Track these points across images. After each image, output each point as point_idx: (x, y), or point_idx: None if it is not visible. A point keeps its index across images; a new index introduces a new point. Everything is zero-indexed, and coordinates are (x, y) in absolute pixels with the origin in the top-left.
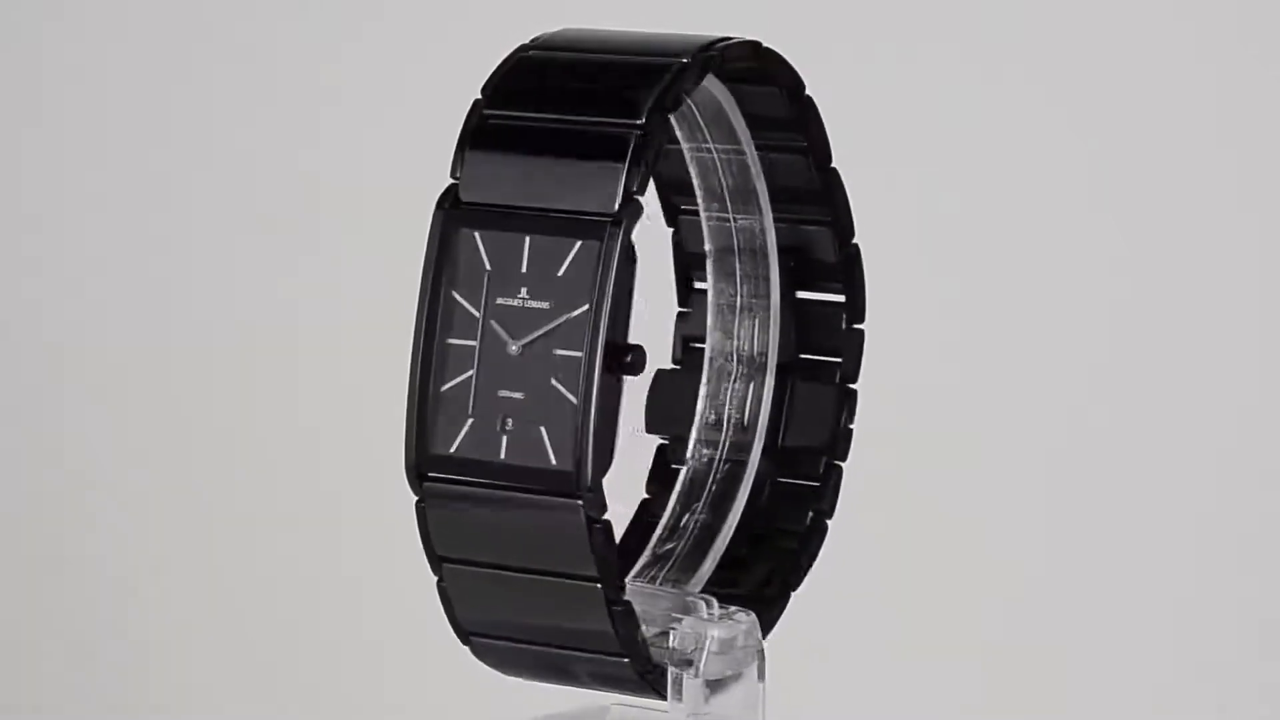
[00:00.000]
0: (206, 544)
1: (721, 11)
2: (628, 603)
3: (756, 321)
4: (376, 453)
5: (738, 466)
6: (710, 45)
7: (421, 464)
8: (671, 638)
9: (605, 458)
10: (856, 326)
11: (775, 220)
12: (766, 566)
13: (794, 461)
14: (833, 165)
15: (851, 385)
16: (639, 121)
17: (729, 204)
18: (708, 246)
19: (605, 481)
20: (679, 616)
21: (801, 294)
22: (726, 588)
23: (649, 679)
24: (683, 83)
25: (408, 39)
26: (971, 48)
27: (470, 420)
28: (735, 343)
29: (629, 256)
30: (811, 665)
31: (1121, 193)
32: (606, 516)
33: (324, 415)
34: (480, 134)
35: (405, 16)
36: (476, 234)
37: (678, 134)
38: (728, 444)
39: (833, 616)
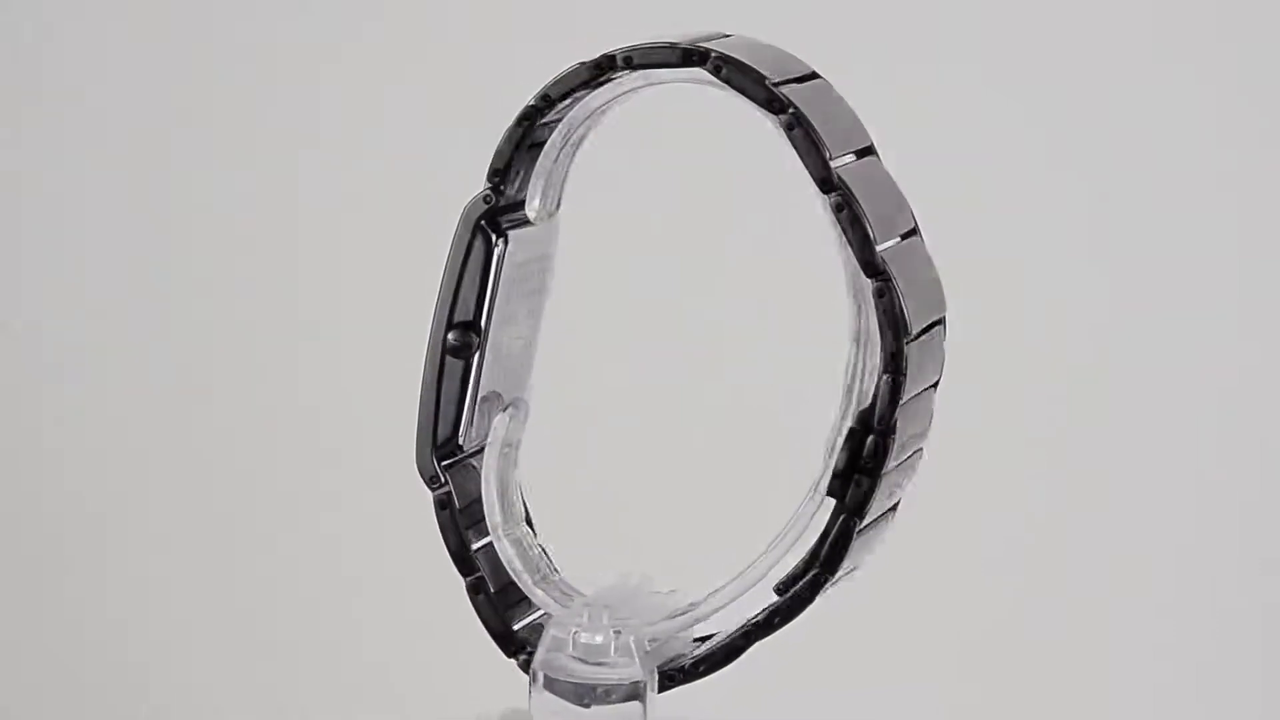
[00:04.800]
0: (209, 544)
1: None
2: (472, 569)
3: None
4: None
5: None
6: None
7: None
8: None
9: (435, 432)
10: (885, 365)
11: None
12: None
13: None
14: (827, 193)
15: (873, 430)
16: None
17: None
18: None
19: None
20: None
21: None
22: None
23: (511, 655)
24: (569, 82)
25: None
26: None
27: None
28: None
29: (476, 240)
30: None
31: (1110, 187)
32: (443, 490)
33: (327, 414)
34: None
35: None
36: None
37: None
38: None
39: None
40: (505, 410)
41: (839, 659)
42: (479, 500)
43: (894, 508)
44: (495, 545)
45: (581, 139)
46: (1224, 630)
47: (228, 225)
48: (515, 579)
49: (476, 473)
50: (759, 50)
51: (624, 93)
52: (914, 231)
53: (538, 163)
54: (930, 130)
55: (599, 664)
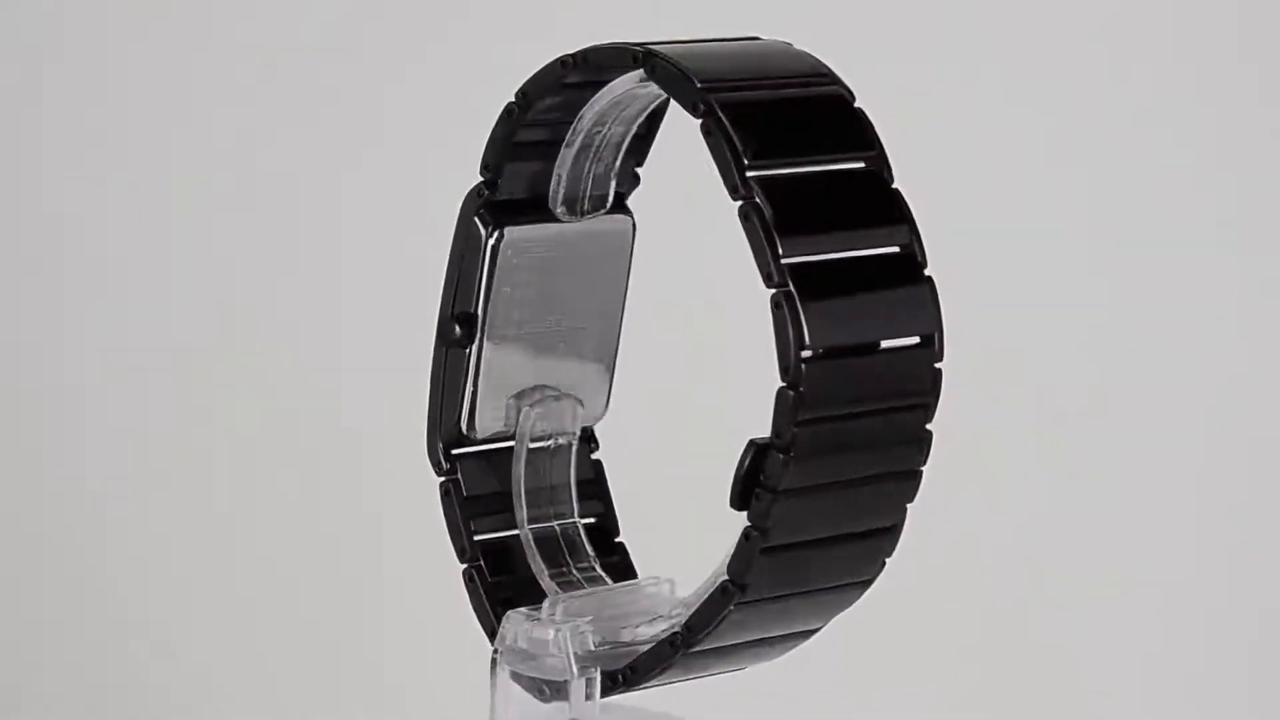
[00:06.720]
0: (209, 544)
1: None
2: (473, 558)
3: None
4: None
5: None
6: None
7: None
8: None
9: (443, 424)
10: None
11: None
12: None
13: None
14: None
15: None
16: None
17: None
18: None
19: None
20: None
21: None
22: None
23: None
24: (540, 81)
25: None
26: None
27: None
28: None
29: (468, 232)
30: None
31: (1109, 187)
32: (449, 478)
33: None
34: None
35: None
36: None
37: None
38: None
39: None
40: (536, 404)
41: (833, 659)
42: (503, 491)
43: (875, 533)
44: (521, 536)
45: (620, 141)
46: (1226, 632)
47: (227, 225)
48: (536, 573)
49: (501, 463)
50: (726, 53)
51: (621, 95)
52: (909, 245)
53: (557, 160)
54: (930, 129)
55: (545, 658)
